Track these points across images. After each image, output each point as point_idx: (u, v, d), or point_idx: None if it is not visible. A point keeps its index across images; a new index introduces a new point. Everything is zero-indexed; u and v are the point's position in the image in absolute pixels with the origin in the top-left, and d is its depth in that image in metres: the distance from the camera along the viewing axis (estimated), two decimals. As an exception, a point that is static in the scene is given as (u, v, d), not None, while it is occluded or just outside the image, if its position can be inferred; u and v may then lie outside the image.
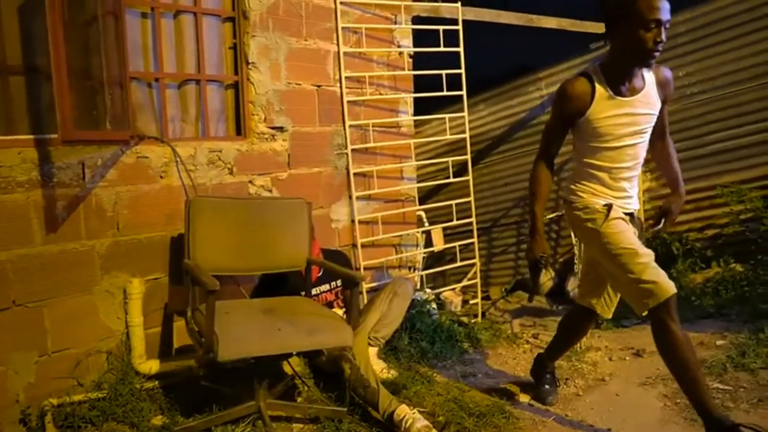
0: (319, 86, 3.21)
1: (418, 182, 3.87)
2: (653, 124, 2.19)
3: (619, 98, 2.10)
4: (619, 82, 2.11)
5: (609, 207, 2.17)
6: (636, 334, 3.59)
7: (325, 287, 3.02)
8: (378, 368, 2.93)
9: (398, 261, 3.71)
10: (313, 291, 2.95)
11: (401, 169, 3.64)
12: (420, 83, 3.79)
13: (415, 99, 3.76)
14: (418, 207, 3.74)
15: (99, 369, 2.54)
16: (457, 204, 3.89)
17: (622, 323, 3.81)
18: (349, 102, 3.32)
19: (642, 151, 2.21)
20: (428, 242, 4.25)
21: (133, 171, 2.58)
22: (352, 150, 3.35)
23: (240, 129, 2.99)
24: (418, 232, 3.78)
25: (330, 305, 3.02)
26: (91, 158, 2.46)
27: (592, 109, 2.11)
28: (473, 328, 3.62)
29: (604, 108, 2.11)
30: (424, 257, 3.85)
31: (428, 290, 3.76)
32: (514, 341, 3.66)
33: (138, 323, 2.60)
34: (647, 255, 2.08)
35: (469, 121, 5.44)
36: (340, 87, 3.29)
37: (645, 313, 2.09)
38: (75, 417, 2.35)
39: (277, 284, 2.85)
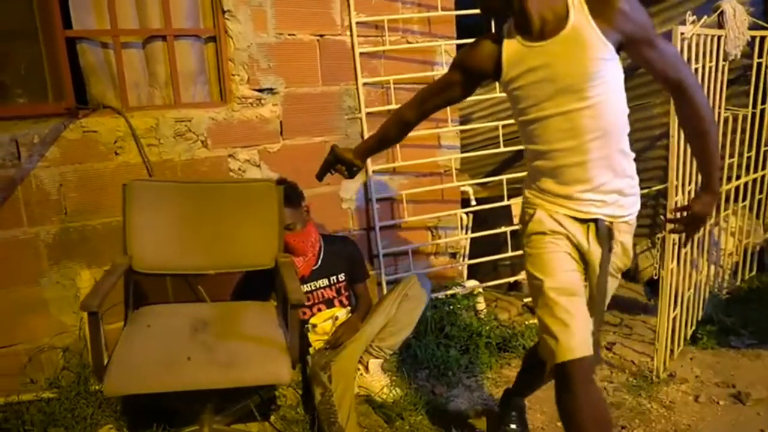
0: (321, 36, 2.60)
1: (466, 152, 3.14)
2: (605, 77, 1.47)
3: (530, 43, 1.51)
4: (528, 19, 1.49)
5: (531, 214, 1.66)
6: (746, 363, 2.66)
7: (322, 282, 2.51)
8: (378, 385, 2.41)
9: (434, 247, 3.07)
10: (307, 287, 2.46)
11: (438, 135, 2.94)
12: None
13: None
14: (459, 183, 3.03)
15: (55, 366, 2.31)
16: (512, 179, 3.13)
17: (729, 341, 2.87)
18: (363, 54, 2.68)
19: (592, 122, 1.49)
20: (506, 217, 3.52)
21: (79, 148, 2.22)
22: (368, 114, 2.73)
23: (222, 93, 2.51)
24: (462, 212, 3.09)
25: (329, 303, 2.52)
26: (25, 135, 2.13)
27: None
28: (522, 333, 2.92)
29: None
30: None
31: (471, 282, 3.08)
32: (577, 353, 2.91)
33: (93, 319, 2.30)
34: (564, 292, 1.52)
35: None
36: (351, 36, 2.65)
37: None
38: (18, 419, 2.15)
39: (264, 283, 2.38)
